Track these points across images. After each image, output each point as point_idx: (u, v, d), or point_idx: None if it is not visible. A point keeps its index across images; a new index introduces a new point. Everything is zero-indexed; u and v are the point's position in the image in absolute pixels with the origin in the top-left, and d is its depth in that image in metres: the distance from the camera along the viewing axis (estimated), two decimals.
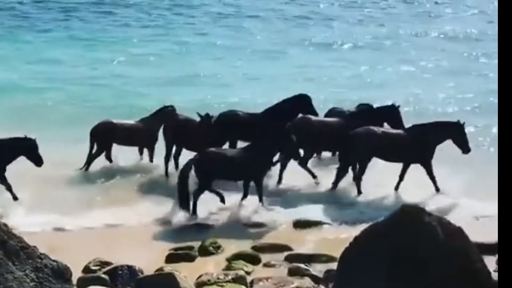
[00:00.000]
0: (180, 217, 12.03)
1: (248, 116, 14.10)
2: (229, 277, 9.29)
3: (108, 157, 14.26)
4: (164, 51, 24.86)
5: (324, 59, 24.35)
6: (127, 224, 11.74)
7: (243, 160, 12.12)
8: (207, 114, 13.66)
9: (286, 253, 10.61)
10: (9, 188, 12.40)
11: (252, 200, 12.57)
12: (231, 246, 10.89)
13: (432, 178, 12.98)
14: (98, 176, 13.83)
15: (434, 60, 24.20)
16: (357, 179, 13.01)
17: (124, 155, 14.47)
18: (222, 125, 13.75)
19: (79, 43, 25.75)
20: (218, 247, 10.84)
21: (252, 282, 9.32)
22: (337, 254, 7.48)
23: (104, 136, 14.08)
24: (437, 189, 12.99)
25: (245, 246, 10.88)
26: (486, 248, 10.03)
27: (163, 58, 23.98)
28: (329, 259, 10.03)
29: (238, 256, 10.37)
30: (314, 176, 13.49)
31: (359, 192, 12.97)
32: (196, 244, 10.92)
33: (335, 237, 11.17)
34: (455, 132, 12.93)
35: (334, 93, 19.41)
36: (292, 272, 9.66)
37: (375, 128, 13.02)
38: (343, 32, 28.49)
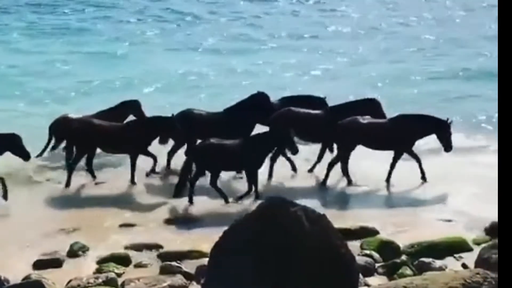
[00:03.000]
0: (47, 222, 11.74)
1: (209, 115, 14.13)
2: (100, 280, 9.17)
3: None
4: None
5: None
6: None
7: (241, 151, 12.37)
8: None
9: (157, 252, 10.57)
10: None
11: (117, 200, 12.55)
12: (101, 249, 10.69)
13: (418, 162, 13.36)
14: None
15: None
16: (343, 170, 13.36)
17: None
18: (181, 123, 13.61)
19: None
20: (87, 250, 10.64)
21: (123, 283, 9.20)
22: (209, 249, 7.53)
23: (62, 130, 13.95)
24: (424, 177, 13.40)
25: (116, 247, 10.72)
26: (350, 233, 10.50)
27: None
28: (201, 255, 10.06)
29: (108, 259, 10.20)
30: (294, 168, 13.78)
31: (349, 183, 13.33)
32: (64, 248, 10.66)
33: (208, 233, 11.21)
34: (441, 129, 13.22)
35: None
36: (164, 271, 9.63)
37: (361, 118, 13.35)
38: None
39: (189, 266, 9.80)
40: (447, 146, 13.33)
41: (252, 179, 12.57)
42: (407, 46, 25.48)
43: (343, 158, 13.37)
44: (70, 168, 13.40)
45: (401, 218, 12.05)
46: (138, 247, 10.76)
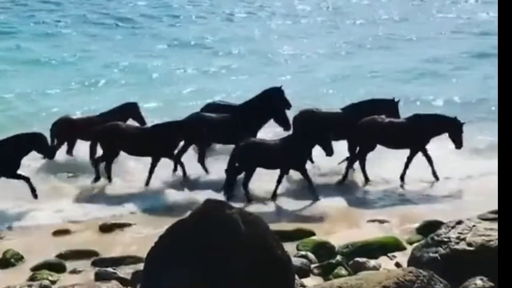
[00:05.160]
0: None
1: (218, 117, 14.20)
2: None
3: (70, 151, 14.54)
4: None
5: None
6: None
7: (283, 150, 12.68)
8: None
9: (92, 259, 10.45)
10: (28, 181, 12.66)
11: (51, 206, 12.33)
12: (34, 256, 10.50)
13: (429, 161, 13.79)
14: None
15: None
16: (361, 168, 13.77)
17: None
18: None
19: None
20: (21, 258, 10.45)
21: None
22: (145, 254, 7.49)
23: (64, 131, 14.13)
24: (435, 175, 13.81)
25: (50, 254, 10.56)
26: (286, 235, 10.58)
27: None
28: (137, 260, 9.98)
29: (42, 266, 10.05)
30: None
31: (367, 180, 13.77)
32: None
33: (143, 237, 11.15)
34: (453, 128, 13.67)
35: None
36: (99, 277, 9.50)
37: (380, 118, 13.74)
38: None
39: (125, 272, 9.70)
40: (459, 144, 13.81)
41: (304, 176, 12.91)
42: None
43: (360, 156, 13.78)
44: (96, 169, 13.57)
45: (336, 219, 12.23)
46: (73, 254, 10.61)
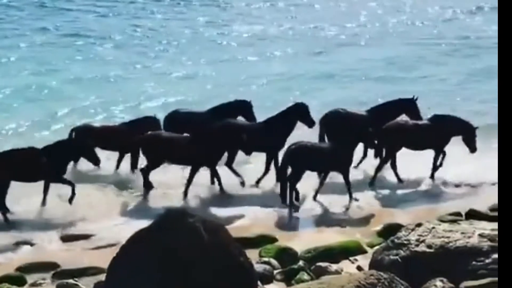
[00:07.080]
0: None
1: (250, 125, 14.06)
2: None
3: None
4: None
5: None
6: None
7: (331, 153, 12.88)
8: None
9: (53, 271, 10.33)
10: (72, 187, 12.60)
11: (12, 217, 12.21)
12: None
13: (435, 165, 14.01)
14: None
15: None
16: (379, 168, 13.85)
17: None
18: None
19: None
20: None
21: None
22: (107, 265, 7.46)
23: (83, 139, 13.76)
24: (432, 177, 14.08)
25: (10, 267, 10.42)
26: (249, 242, 10.62)
27: None
28: (99, 271, 9.90)
29: (2, 279, 9.90)
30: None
31: (373, 180, 13.84)
32: None
33: (106, 248, 11.06)
34: (468, 132, 13.95)
35: None
36: None
37: (404, 122, 14.15)
38: None
39: (87, 283, 9.63)
40: (473, 148, 14.08)
41: (347, 178, 13.01)
42: None
43: (386, 159, 13.88)
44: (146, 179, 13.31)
45: (298, 224, 12.29)
46: (34, 267, 10.48)
